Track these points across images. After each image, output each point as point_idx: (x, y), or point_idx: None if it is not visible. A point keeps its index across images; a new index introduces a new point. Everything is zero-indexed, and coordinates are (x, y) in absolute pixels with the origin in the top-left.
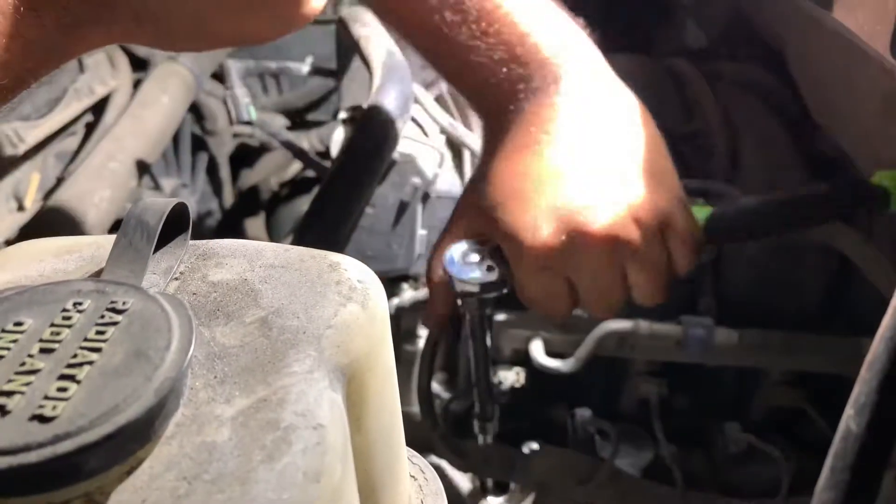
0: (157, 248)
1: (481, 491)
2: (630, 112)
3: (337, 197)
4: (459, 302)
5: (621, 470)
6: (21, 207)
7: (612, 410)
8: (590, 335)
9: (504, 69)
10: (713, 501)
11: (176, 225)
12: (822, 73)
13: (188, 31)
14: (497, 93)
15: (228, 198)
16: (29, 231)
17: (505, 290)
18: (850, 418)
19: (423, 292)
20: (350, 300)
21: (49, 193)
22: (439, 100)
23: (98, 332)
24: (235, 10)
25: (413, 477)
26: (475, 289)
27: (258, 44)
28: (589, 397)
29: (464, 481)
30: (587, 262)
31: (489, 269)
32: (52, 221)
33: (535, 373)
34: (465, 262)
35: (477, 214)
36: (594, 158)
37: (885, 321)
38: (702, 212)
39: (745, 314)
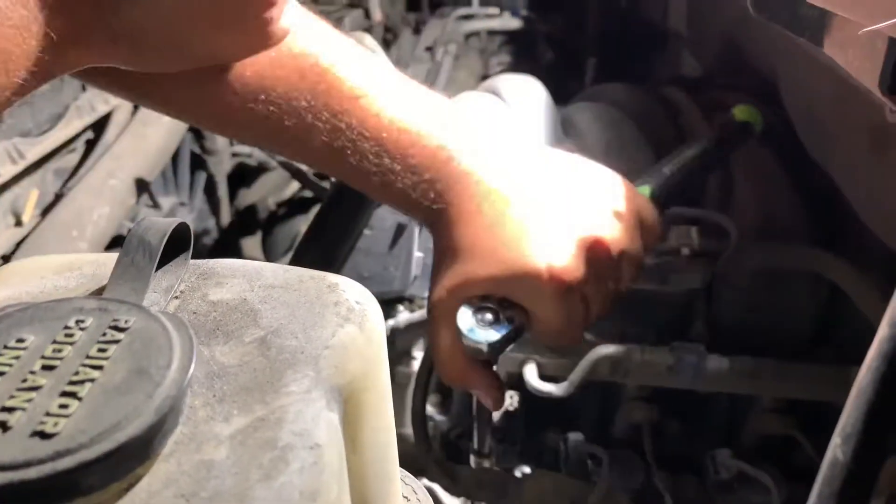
0: (158, 267)
1: None
2: (538, 151)
3: (335, 218)
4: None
5: (613, 494)
6: (19, 223)
7: (605, 435)
8: (583, 360)
9: (409, 183)
10: None
11: (177, 244)
12: (813, 106)
13: (162, 52)
14: (415, 204)
15: (226, 217)
16: (26, 247)
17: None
18: (838, 447)
19: (418, 314)
20: (348, 321)
21: (47, 209)
22: None
23: (100, 350)
24: (207, 32)
25: (406, 498)
26: (499, 344)
27: (228, 63)
28: (581, 422)
29: None
30: (602, 271)
31: (500, 320)
32: (49, 237)
33: (529, 396)
34: (476, 324)
35: (465, 283)
36: (547, 189)
37: (871, 351)
38: (644, 190)
39: (737, 341)
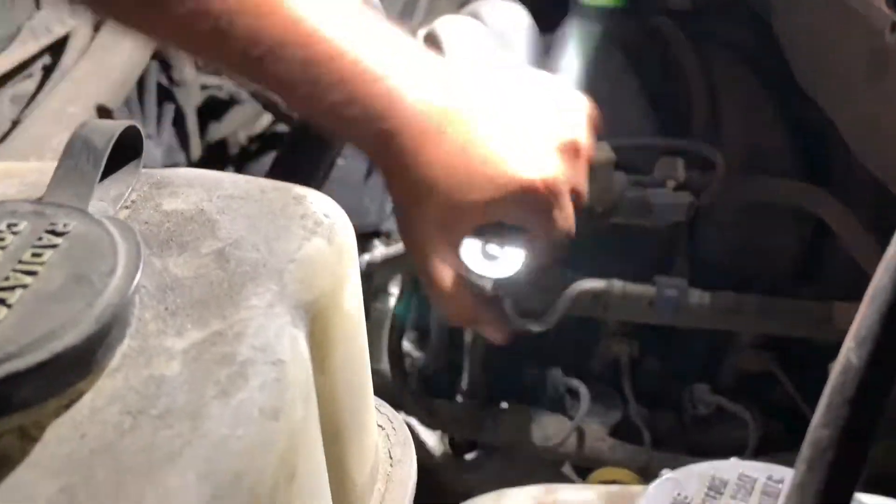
0: (107, 175)
1: (450, 448)
2: (491, 69)
3: (305, 147)
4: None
5: (589, 428)
6: None
7: (583, 370)
8: (563, 294)
9: (348, 109)
10: (680, 461)
11: (128, 151)
12: (808, 35)
13: None
14: (358, 133)
15: (196, 151)
16: None
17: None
18: (851, 350)
19: (394, 248)
20: (315, 234)
21: (4, 137)
22: None
23: (34, 255)
24: None
25: (381, 426)
26: (518, 274)
27: None
28: (560, 357)
29: (433, 439)
30: (579, 172)
31: (505, 248)
32: None
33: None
34: (487, 258)
35: (458, 214)
36: (512, 101)
37: (891, 249)
38: None
39: (719, 277)
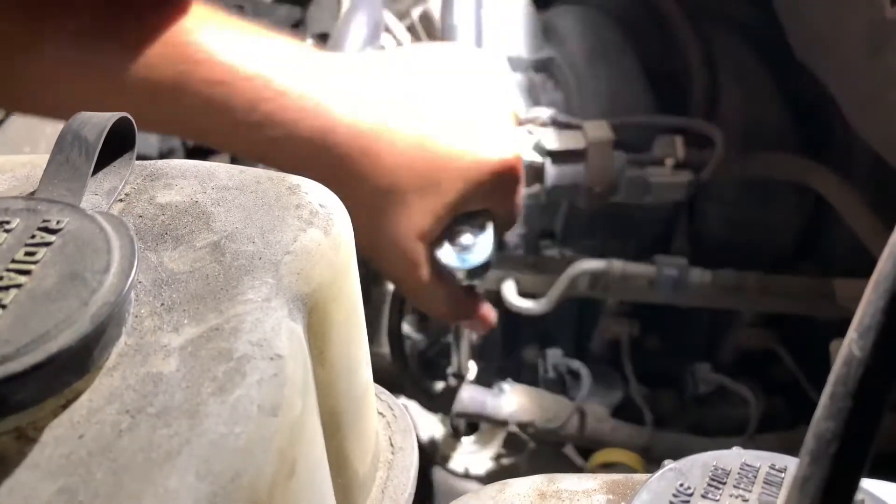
0: (99, 167)
1: (451, 431)
2: (408, 58)
3: None
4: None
5: (591, 409)
6: None
7: (583, 351)
8: (562, 275)
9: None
10: (681, 440)
11: (120, 142)
12: (807, 8)
13: None
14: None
15: None
16: None
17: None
18: (853, 342)
19: None
20: (311, 225)
21: None
22: (411, 29)
23: (28, 254)
24: None
25: (381, 414)
26: (492, 257)
27: None
28: (560, 338)
29: (433, 421)
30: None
31: (475, 234)
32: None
33: (507, 313)
34: (463, 251)
35: (435, 219)
36: (449, 89)
37: (895, 237)
38: None
39: (720, 255)
